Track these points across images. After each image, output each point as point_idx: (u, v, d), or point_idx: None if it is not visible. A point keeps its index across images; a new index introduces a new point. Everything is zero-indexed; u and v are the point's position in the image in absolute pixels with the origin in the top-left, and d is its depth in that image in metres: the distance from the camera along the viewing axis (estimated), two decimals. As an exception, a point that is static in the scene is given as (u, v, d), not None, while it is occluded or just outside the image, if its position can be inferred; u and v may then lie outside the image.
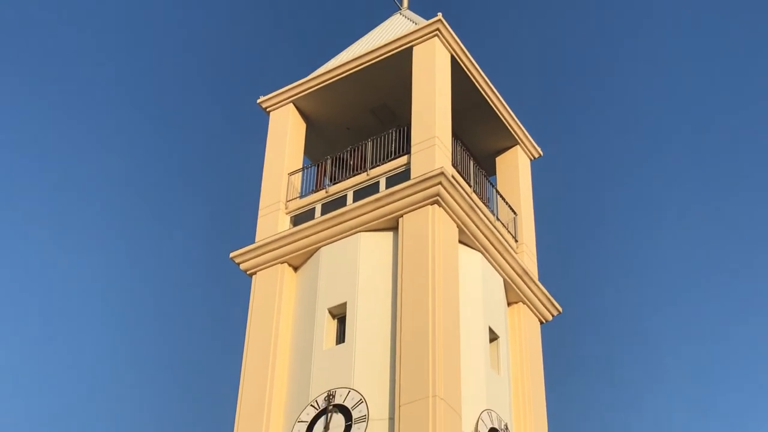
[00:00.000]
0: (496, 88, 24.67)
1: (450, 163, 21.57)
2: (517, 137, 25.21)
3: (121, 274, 78.58)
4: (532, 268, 23.45)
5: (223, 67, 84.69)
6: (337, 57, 24.81)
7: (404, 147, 22.26)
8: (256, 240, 22.47)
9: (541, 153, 25.80)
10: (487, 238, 21.64)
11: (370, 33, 25.24)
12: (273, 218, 22.80)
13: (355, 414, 18.77)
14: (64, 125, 79.41)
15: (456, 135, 23.41)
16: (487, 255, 21.76)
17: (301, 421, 19.23)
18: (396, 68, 23.40)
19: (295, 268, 22.16)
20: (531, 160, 25.72)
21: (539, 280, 23.34)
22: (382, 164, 22.37)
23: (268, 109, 24.66)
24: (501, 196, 24.12)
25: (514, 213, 24.00)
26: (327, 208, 22.28)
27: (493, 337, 21.11)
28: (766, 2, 73.63)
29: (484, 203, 22.78)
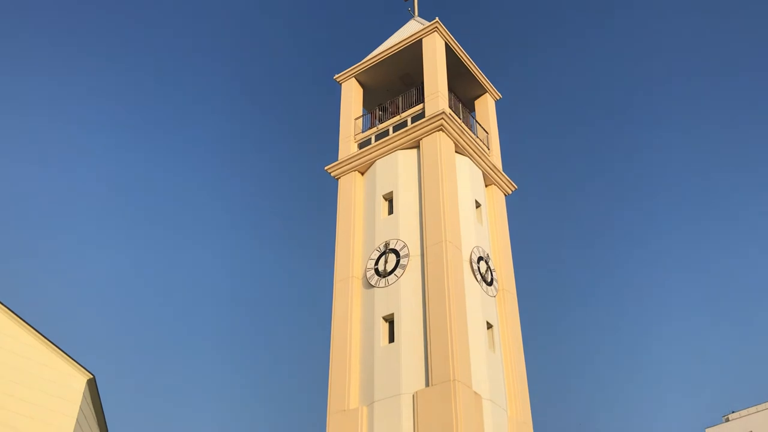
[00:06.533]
0: (472, 58, 24.37)
1: (447, 106, 21.48)
2: (486, 87, 24.83)
3: (259, 186, 79.69)
4: (498, 164, 23.39)
5: (307, 57, 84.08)
6: (378, 47, 24.46)
7: (420, 98, 22.19)
8: (339, 158, 22.44)
9: (501, 96, 25.37)
10: (471, 148, 21.71)
11: (396, 32, 24.80)
12: (348, 144, 22.63)
13: (401, 253, 19.19)
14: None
15: (450, 89, 23.38)
16: (472, 158, 21.84)
17: (371, 259, 19.72)
18: (413, 52, 23.13)
19: (362, 173, 22.10)
20: (495, 100, 25.33)
21: (503, 170, 23.38)
22: (408, 109, 22.16)
23: (340, 81, 24.23)
24: (478, 123, 24.09)
25: (486, 132, 23.94)
26: (378, 137, 22.21)
27: (478, 204, 21.26)
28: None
29: (468, 128, 22.46)
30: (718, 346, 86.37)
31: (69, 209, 77.89)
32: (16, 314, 20.91)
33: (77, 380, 20.55)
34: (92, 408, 22.40)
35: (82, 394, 20.38)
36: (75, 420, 20.03)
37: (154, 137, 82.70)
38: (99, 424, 23.73)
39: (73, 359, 20.78)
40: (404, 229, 19.71)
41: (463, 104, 23.91)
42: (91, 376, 20.82)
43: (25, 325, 21.30)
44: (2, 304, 21.03)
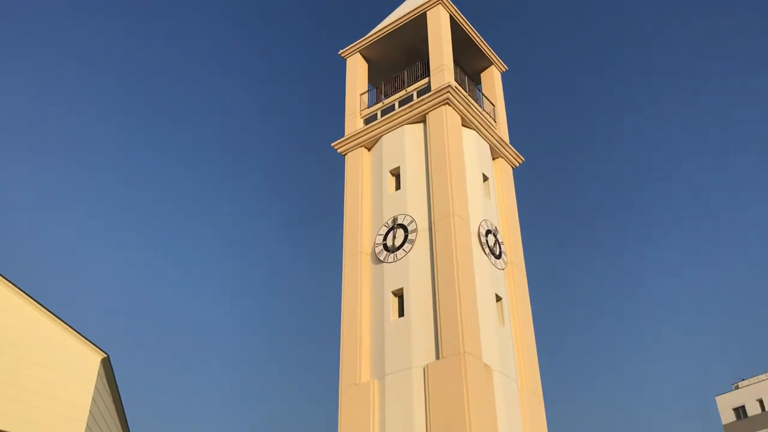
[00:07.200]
0: (477, 30, 24.07)
1: (453, 79, 21.30)
2: (491, 60, 24.67)
3: (266, 164, 79.77)
4: (505, 136, 23.31)
5: (311, 33, 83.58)
6: (382, 21, 24.24)
7: (426, 72, 22.07)
8: (345, 134, 22.32)
9: (507, 68, 25.23)
10: (477, 121, 21.55)
11: (400, 6, 24.52)
12: (354, 120, 22.52)
13: (409, 228, 19.18)
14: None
15: (456, 62, 23.24)
16: (479, 131, 21.68)
17: (380, 235, 19.76)
18: (417, 25, 22.94)
19: (369, 149, 21.95)
20: (501, 72, 25.19)
21: (510, 143, 23.26)
22: (414, 83, 22.05)
23: (345, 57, 24.14)
24: (485, 96, 23.90)
25: (493, 105, 23.78)
26: (384, 112, 22.12)
27: (485, 178, 21.19)
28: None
29: (475, 101, 22.12)
30: (726, 313, 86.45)
31: (85, 201, 78.37)
32: (32, 297, 21.14)
33: (92, 360, 20.84)
34: (107, 386, 22.74)
35: (97, 373, 20.69)
36: (91, 398, 20.34)
37: (160, 124, 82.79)
38: (114, 402, 24.10)
39: (87, 339, 21.05)
40: (412, 204, 19.69)
41: (469, 77, 23.74)
42: (106, 356, 21.10)
43: (41, 307, 21.55)
44: (19, 288, 21.27)
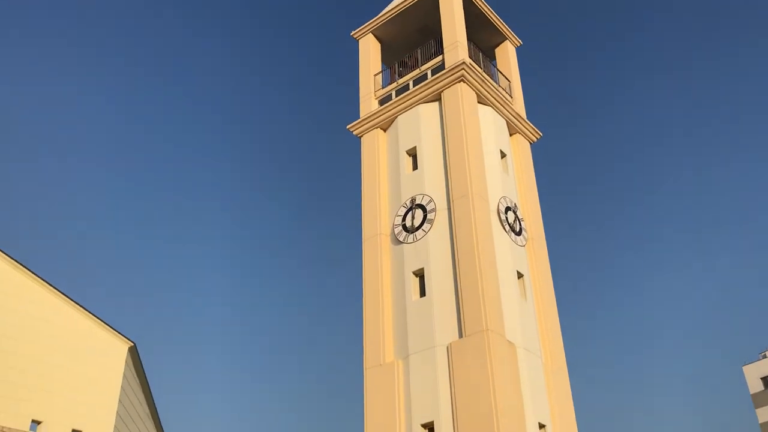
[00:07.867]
0: (490, 5, 23.75)
1: (467, 56, 21.10)
2: (505, 35, 24.36)
3: (281, 149, 79.99)
4: (522, 112, 23.03)
5: (322, 14, 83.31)
6: (393, 0, 24.13)
7: (439, 50, 21.85)
8: (361, 116, 22.25)
9: (521, 43, 24.90)
10: (493, 98, 21.36)
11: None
12: (368, 102, 22.47)
13: (428, 208, 19.13)
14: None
15: (470, 38, 22.93)
16: (495, 107, 21.48)
17: (398, 215, 19.74)
18: (429, 2, 22.71)
19: (384, 130, 21.81)
20: (516, 47, 24.82)
21: (527, 118, 23.03)
22: (428, 62, 21.87)
23: (357, 38, 24.04)
24: (500, 72, 23.63)
25: (508, 81, 23.49)
26: (399, 92, 22.00)
27: (503, 155, 21.01)
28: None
29: (490, 77, 22.02)
30: (753, 282, 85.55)
31: (93, 195, 79.21)
32: (57, 289, 21.45)
33: (119, 348, 21.14)
34: (135, 373, 23.07)
35: (124, 361, 21.00)
36: (120, 386, 20.66)
37: (171, 111, 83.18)
38: (143, 389, 24.46)
39: (114, 329, 21.34)
40: (430, 184, 19.62)
41: (483, 53, 23.50)
42: (132, 344, 21.39)
43: (67, 298, 21.86)
44: (44, 280, 21.59)
